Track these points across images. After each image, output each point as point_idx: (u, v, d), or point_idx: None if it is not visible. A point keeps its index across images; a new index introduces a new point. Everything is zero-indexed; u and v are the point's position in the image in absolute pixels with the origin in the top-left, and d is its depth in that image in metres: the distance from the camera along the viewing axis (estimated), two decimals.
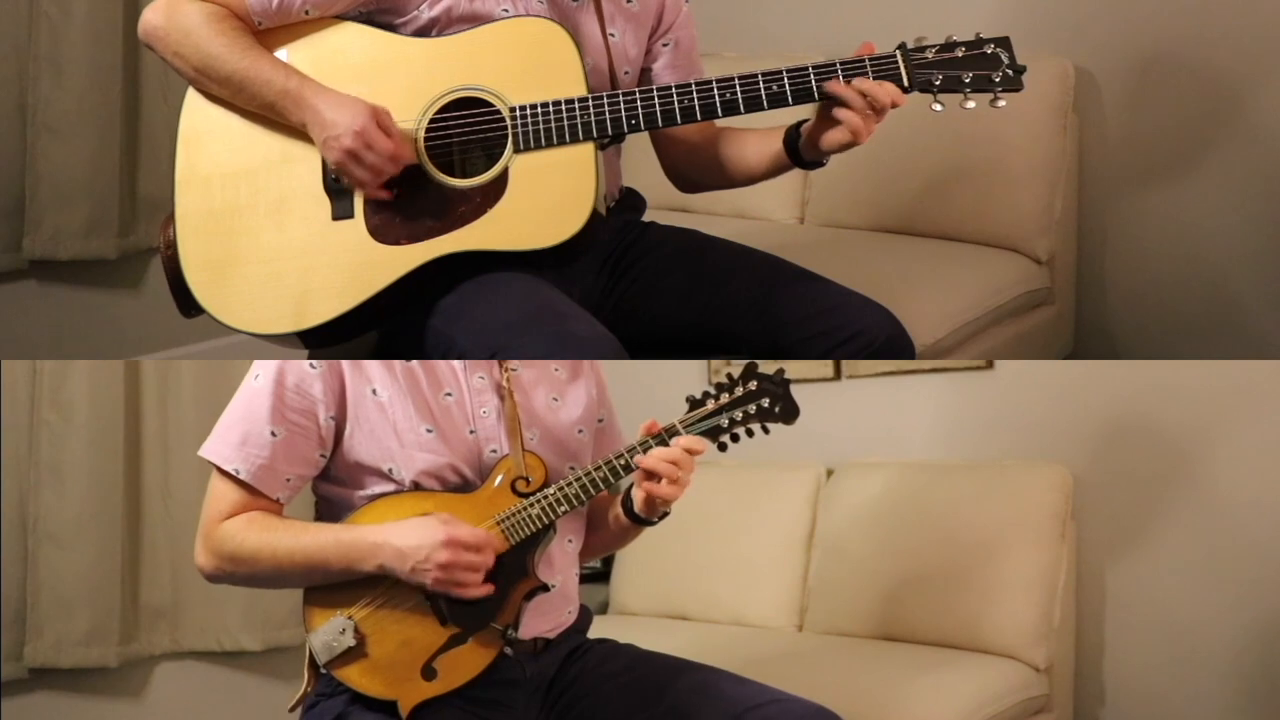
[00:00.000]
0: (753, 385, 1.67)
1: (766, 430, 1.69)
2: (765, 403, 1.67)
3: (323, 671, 1.64)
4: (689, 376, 3.21)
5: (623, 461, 1.64)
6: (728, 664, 1.82)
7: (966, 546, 2.59)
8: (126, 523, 2.75)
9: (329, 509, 1.71)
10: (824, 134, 1.83)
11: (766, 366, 1.69)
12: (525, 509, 1.63)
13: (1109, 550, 2.64)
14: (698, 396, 1.68)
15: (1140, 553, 2.60)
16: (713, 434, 1.67)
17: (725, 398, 1.67)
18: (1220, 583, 2.50)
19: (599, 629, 1.84)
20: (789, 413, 1.68)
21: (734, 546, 2.94)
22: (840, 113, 1.77)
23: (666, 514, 1.72)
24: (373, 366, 1.66)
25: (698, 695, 1.68)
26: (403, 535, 1.58)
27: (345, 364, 1.65)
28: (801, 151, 1.90)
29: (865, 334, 1.89)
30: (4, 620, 2.62)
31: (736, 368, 1.70)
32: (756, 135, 1.98)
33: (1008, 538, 2.55)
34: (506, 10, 1.83)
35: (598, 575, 3.24)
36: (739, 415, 1.67)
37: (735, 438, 1.68)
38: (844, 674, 2.43)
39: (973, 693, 2.34)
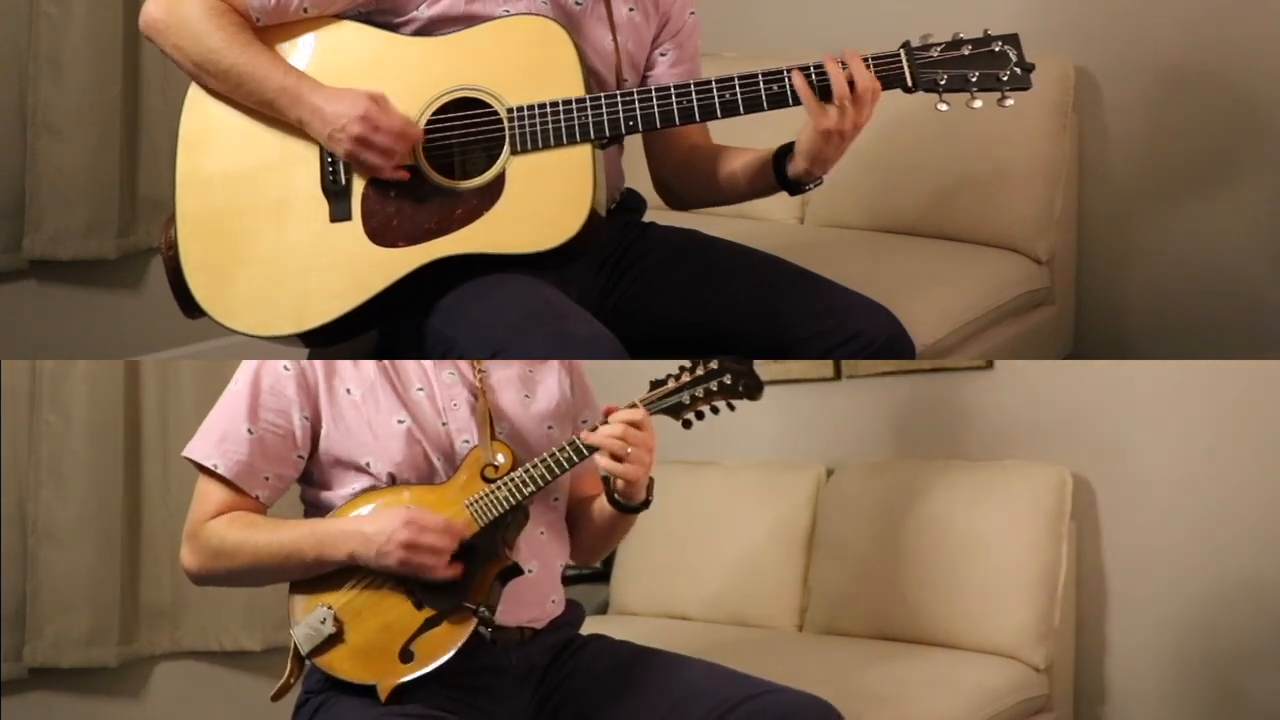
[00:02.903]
0: (714, 364, 1.69)
1: (732, 407, 1.70)
2: (727, 379, 1.68)
3: (306, 662, 1.68)
4: None
5: (586, 442, 1.67)
6: (727, 663, 1.82)
7: (967, 546, 2.58)
8: (126, 523, 2.75)
9: (316, 514, 1.74)
10: (800, 137, 1.82)
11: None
12: (493, 491, 1.66)
13: (1109, 550, 2.64)
14: (660, 378, 1.71)
15: (1140, 553, 2.60)
16: (674, 411, 1.69)
17: (686, 376, 1.70)
18: (1221, 583, 2.50)
19: (599, 628, 1.84)
20: (752, 388, 1.70)
21: (734, 546, 2.94)
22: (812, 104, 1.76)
23: (649, 501, 1.73)
24: (345, 366, 1.71)
25: (693, 688, 1.70)
26: (369, 522, 1.63)
27: (319, 365, 1.70)
28: (787, 166, 1.87)
29: (865, 334, 1.88)
30: (4, 620, 2.62)
31: None
32: (748, 151, 1.97)
33: (1008, 538, 2.55)
34: (507, 11, 1.82)
35: (598, 575, 3.24)
36: (700, 392, 1.69)
37: (700, 415, 1.70)
38: (844, 674, 2.42)
39: (973, 693, 2.34)
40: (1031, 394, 2.75)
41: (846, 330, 1.88)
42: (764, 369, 2.94)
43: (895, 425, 2.96)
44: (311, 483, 1.73)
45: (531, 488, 1.67)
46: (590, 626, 1.84)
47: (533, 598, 1.74)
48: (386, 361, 1.73)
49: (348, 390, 1.70)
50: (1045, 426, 2.73)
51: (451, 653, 1.63)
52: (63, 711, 2.73)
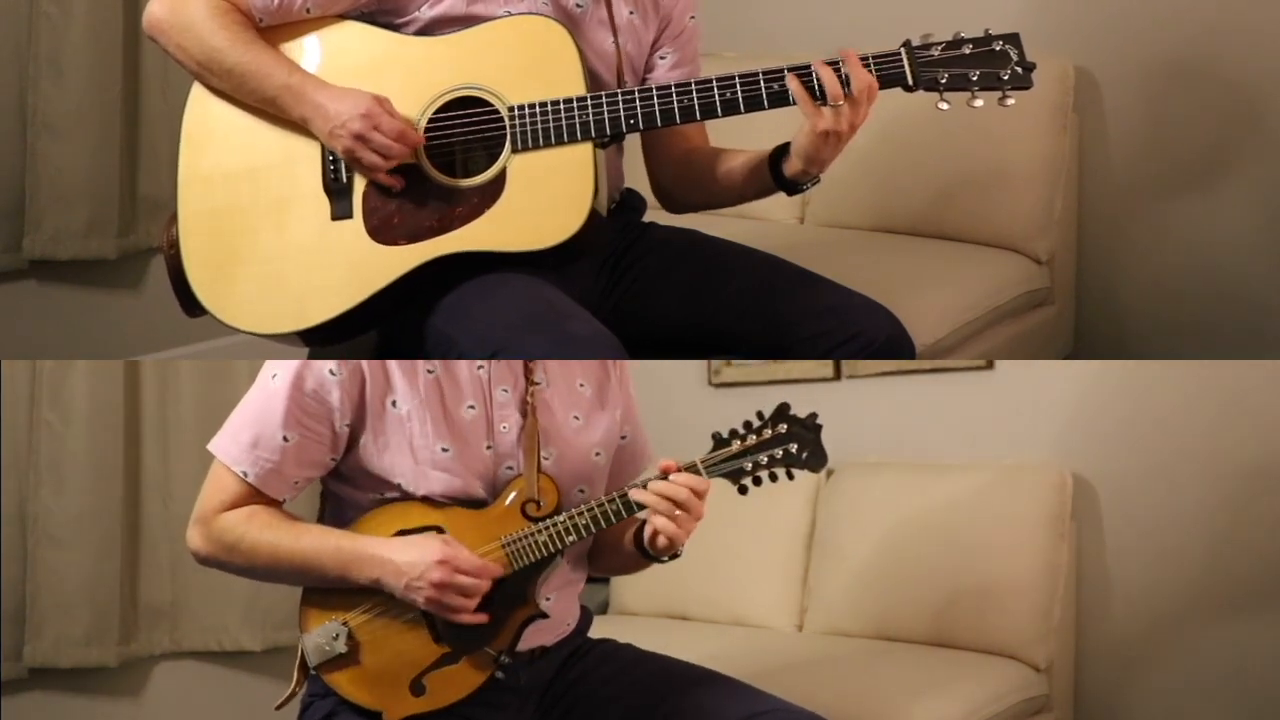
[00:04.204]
0: (783, 428, 1.61)
1: (791, 476, 1.62)
2: (794, 448, 1.61)
3: (312, 673, 1.64)
4: (689, 376, 3.21)
5: (637, 500, 1.60)
6: (727, 664, 1.82)
7: (966, 546, 2.59)
8: (126, 523, 2.75)
9: (336, 505, 1.70)
10: (796, 137, 1.81)
11: (799, 409, 1.63)
12: (533, 534, 1.60)
13: (1109, 550, 2.64)
14: (724, 435, 1.62)
15: (1140, 552, 2.60)
16: (734, 476, 1.61)
17: (752, 439, 1.61)
18: (1221, 583, 2.50)
19: (599, 629, 1.83)
20: (817, 459, 1.62)
21: (734, 546, 2.94)
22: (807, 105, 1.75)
23: (678, 554, 1.67)
24: (396, 374, 1.63)
25: (694, 702, 1.68)
26: (401, 551, 1.57)
27: (366, 369, 1.62)
28: (783, 166, 1.85)
29: (865, 334, 1.88)
30: (4, 620, 2.61)
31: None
32: (745, 152, 1.95)
33: (1008, 538, 2.55)
34: (508, 12, 1.82)
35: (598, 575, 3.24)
36: (764, 459, 1.60)
37: (758, 481, 1.62)
38: (843, 674, 2.43)
39: (973, 693, 2.34)
40: (1031, 394, 2.75)
41: (846, 330, 1.87)
42: (764, 369, 2.96)
43: (895, 425, 2.96)
44: (338, 477, 1.67)
45: (573, 537, 1.60)
46: (591, 627, 1.83)
47: (550, 626, 1.71)
48: (439, 369, 1.66)
49: (394, 403, 1.62)
50: (1045, 426, 2.73)
51: (465, 695, 1.60)
52: (63, 711, 2.73)
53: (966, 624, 2.55)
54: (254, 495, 1.62)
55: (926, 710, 2.25)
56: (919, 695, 2.30)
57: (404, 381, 1.63)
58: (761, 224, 2.90)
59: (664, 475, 1.60)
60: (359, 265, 1.77)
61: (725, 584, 2.94)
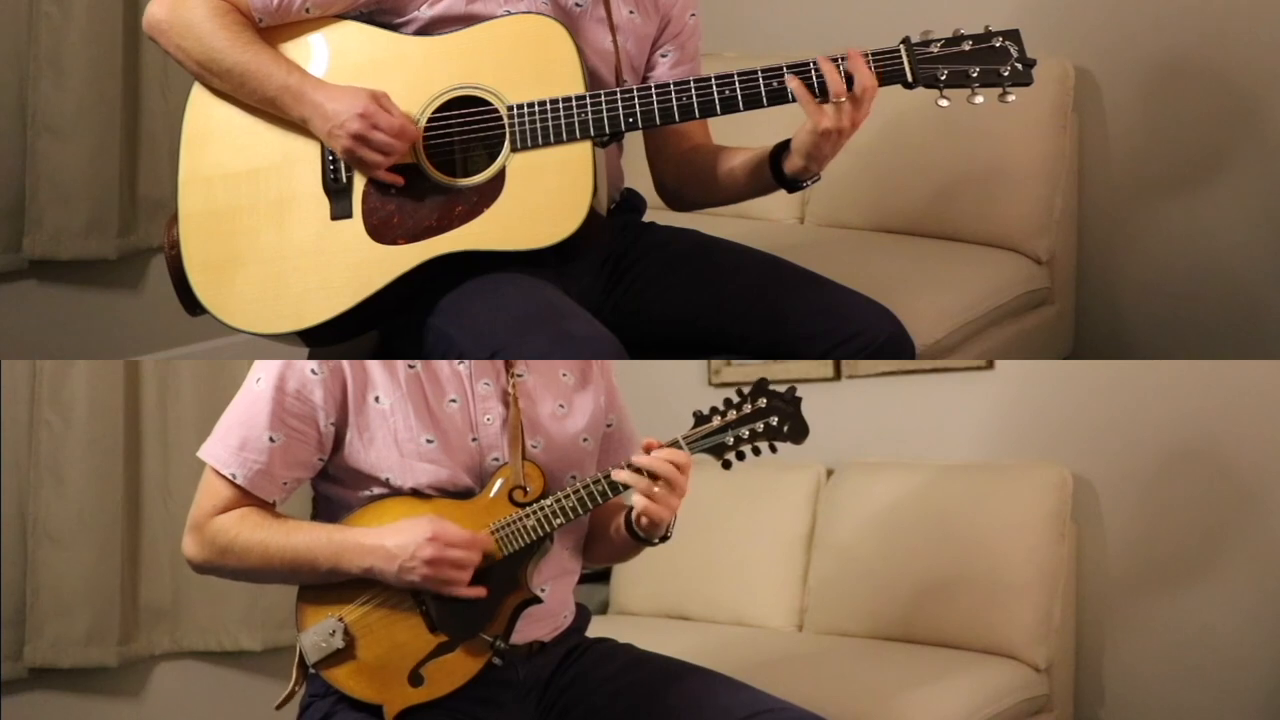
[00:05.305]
0: (762, 403, 1.64)
1: (774, 449, 1.65)
2: (774, 421, 1.63)
3: (311, 671, 1.65)
4: (689, 376, 3.21)
5: (620, 480, 1.62)
6: (727, 664, 1.82)
7: (966, 547, 2.59)
8: (126, 523, 2.75)
9: (327, 506, 1.71)
10: (797, 134, 1.81)
11: (777, 384, 1.66)
12: (521, 519, 1.62)
13: (1109, 550, 2.64)
14: (704, 412, 1.65)
15: (1140, 553, 2.60)
16: (717, 451, 1.63)
17: (732, 415, 1.64)
18: (1220, 582, 2.50)
19: (599, 629, 1.83)
20: (798, 432, 1.65)
21: (734, 546, 2.94)
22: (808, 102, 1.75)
23: (668, 536, 1.69)
24: (376, 370, 1.65)
25: (693, 702, 1.68)
26: (390, 536, 1.58)
27: (347, 367, 1.64)
28: (783, 163, 1.85)
29: (865, 334, 1.88)
30: (4, 620, 2.62)
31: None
32: (746, 150, 1.95)
33: (1008, 538, 2.55)
34: (508, 11, 1.82)
35: (598, 575, 3.24)
36: (745, 433, 1.63)
37: (741, 455, 1.64)
38: (843, 674, 2.43)
39: (973, 693, 2.34)
40: (1031, 394, 2.75)
41: (846, 330, 1.88)
42: (764, 369, 2.96)
43: (895, 425, 2.96)
44: (327, 478, 1.69)
45: (561, 520, 1.62)
46: (590, 626, 1.83)
47: (546, 616, 1.71)
48: (420, 366, 1.67)
49: (376, 398, 1.64)
50: (1045, 426, 2.73)
51: (463, 683, 1.61)
52: (63, 711, 2.73)
53: (966, 624, 2.55)
54: (245, 497, 1.63)
55: (927, 710, 2.25)
56: (919, 695, 2.30)
57: (385, 377, 1.65)
58: (761, 224, 2.90)
59: (647, 453, 1.62)
60: (359, 265, 1.77)
61: (725, 584, 2.94)
